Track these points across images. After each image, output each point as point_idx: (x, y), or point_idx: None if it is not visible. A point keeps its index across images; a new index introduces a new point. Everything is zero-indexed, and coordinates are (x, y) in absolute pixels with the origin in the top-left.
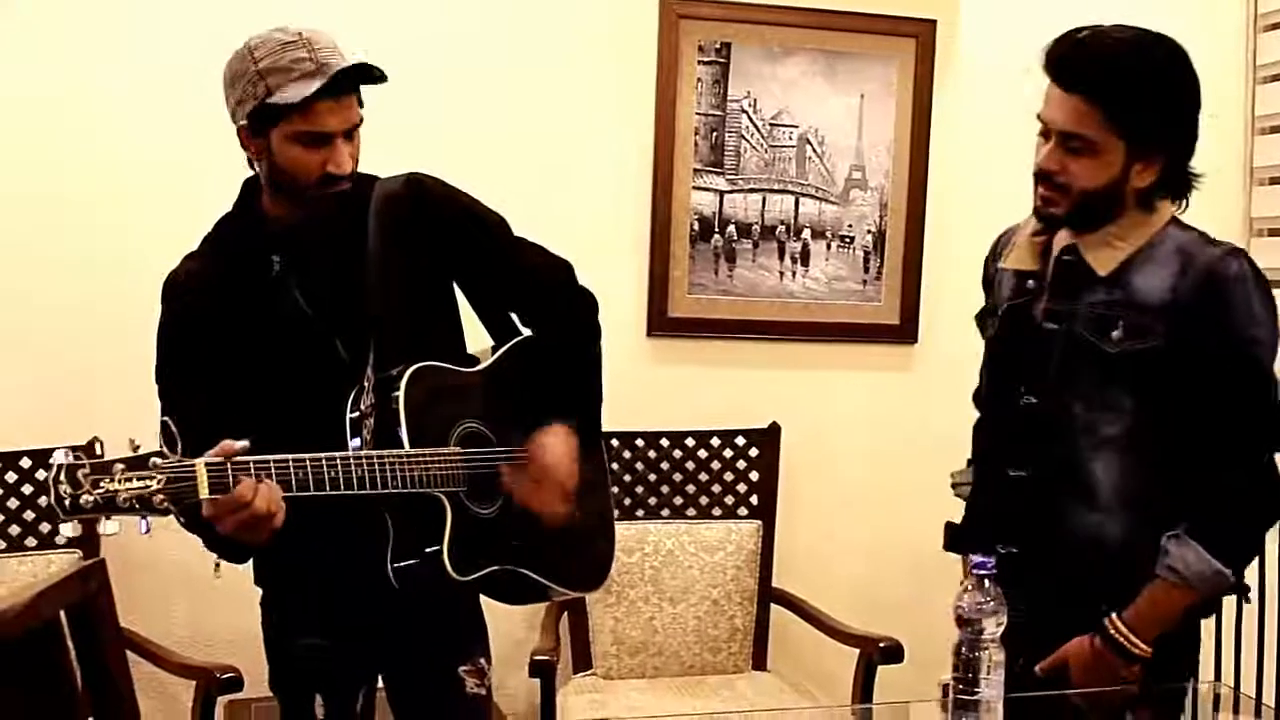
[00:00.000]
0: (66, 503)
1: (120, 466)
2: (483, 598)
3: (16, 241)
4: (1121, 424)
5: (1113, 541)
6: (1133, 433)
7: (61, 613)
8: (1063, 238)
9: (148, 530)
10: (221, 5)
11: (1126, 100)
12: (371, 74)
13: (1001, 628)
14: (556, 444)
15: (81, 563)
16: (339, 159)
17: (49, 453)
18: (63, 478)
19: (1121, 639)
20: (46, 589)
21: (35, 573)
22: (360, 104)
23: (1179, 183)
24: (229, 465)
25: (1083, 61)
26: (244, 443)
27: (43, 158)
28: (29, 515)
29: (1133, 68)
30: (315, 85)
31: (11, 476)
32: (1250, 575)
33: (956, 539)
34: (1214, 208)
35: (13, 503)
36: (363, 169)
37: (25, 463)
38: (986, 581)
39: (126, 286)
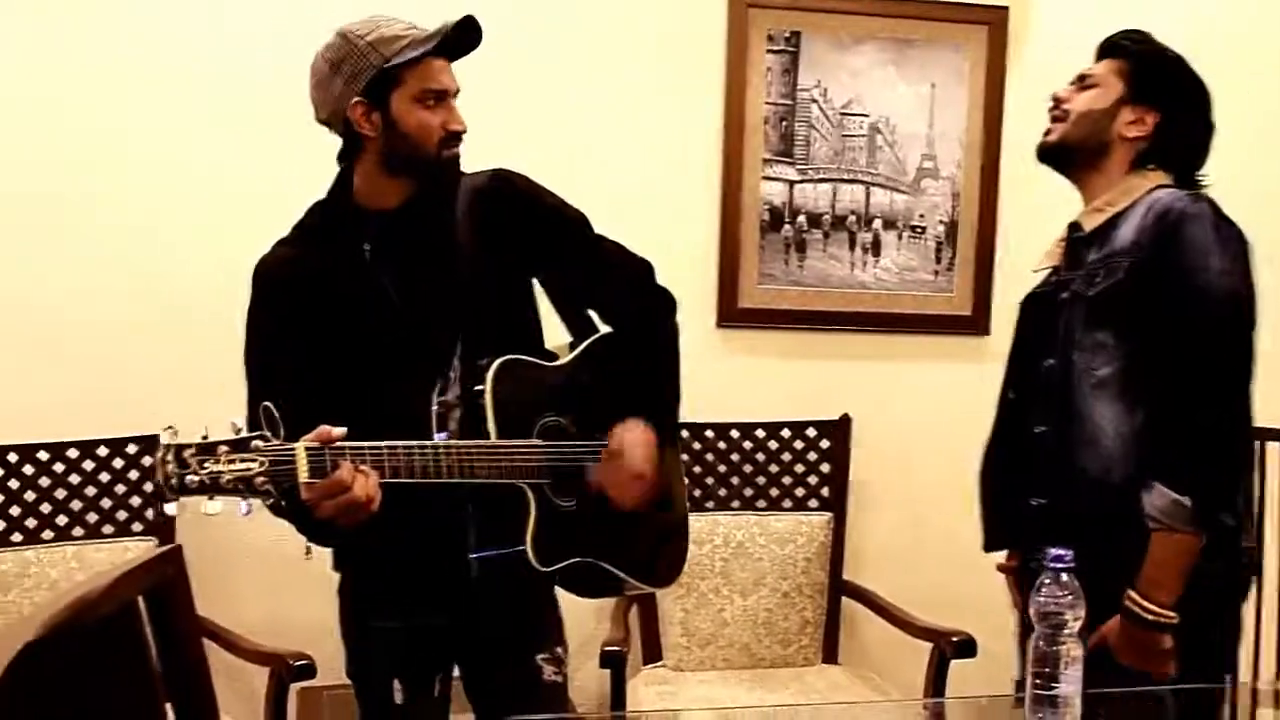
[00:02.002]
0: (173, 482)
1: (224, 448)
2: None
3: (83, 235)
4: (1111, 366)
5: (1118, 486)
6: (1123, 375)
7: (139, 597)
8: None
9: (248, 511)
10: (254, 8)
11: (1138, 53)
12: (471, 39)
13: (1079, 622)
14: (636, 436)
15: (158, 549)
16: (458, 116)
17: (125, 441)
18: (170, 458)
19: (1137, 608)
20: (126, 573)
21: (112, 559)
22: None
23: (1174, 158)
24: (327, 451)
25: (1123, 36)
26: (342, 429)
27: (75, 157)
28: (106, 503)
29: (1154, 41)
30: (430, 45)
31: (89, 465)
32: None
33: (993, 539)
34: None
35: (90, 490)
36: None
37: (102, 451)
38: (1065, 575)
39: (200, 283)
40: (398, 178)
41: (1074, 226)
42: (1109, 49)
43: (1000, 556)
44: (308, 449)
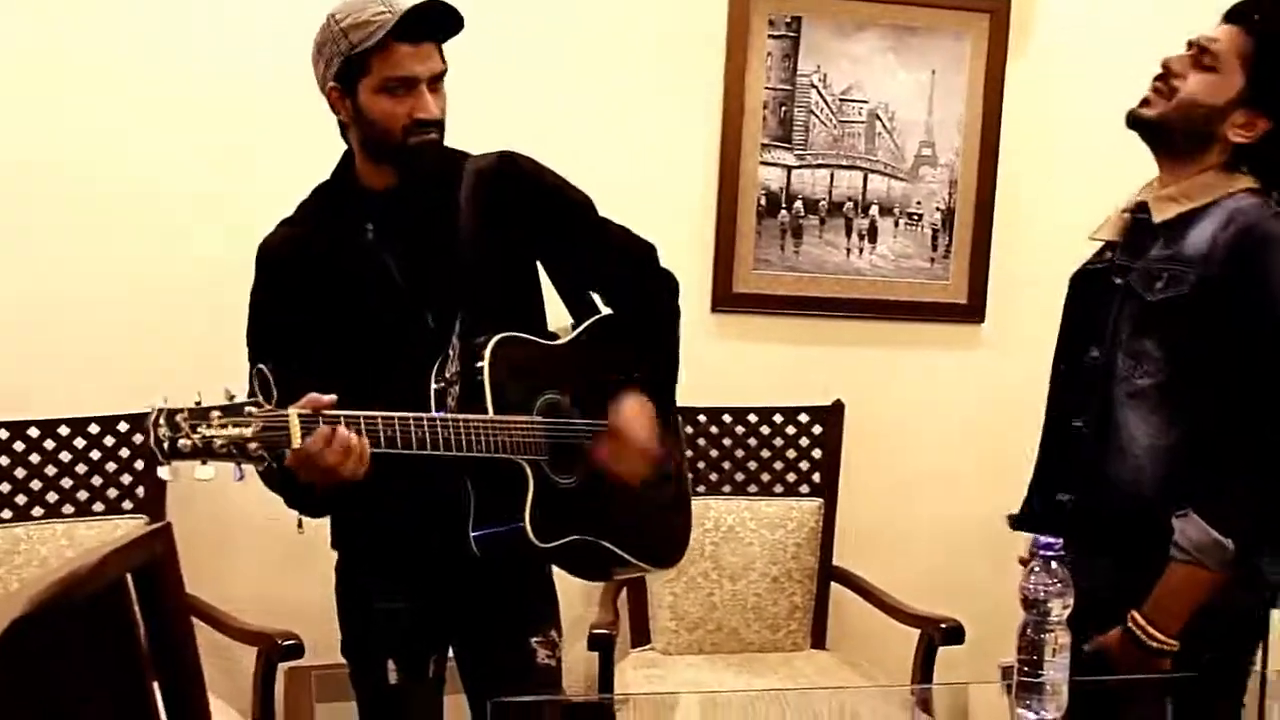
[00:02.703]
0: (165, 446)
1: (217, 413)
2: (556, 572)
3: (76, 217)
4: (1153, 378)
5: (1145, 499)
6: (1164, 389)
7: (128, 575)
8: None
9: (241, 477)
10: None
11: (1270, 37)
12: (446, 19)
13: (1068, 610)
14: (634, 409)
15: (148, 527)
16: (425, 104)
17: (116, 419)
18: (162, 422)
19: (1140, 632)
20: (115, 550)
21: (102, 538)
22: (442, 56)
23: (1267, 169)
24: (320, 417)
25: (1257, 4)
26: (331, 396)
27: (64, 141)
28: (96, 480)
29: None
30: (385, 30)
31: (80, 442)
32: None
33: (1022, 518)
34: None
35: (81, 468)
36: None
37: (93, 429)
38: (1053, 563)
39: (196, 262)
40: (378, 163)
41: (1141, 207)
42: (1239, 15)
43: (1021, 548)
44: (300, 415)
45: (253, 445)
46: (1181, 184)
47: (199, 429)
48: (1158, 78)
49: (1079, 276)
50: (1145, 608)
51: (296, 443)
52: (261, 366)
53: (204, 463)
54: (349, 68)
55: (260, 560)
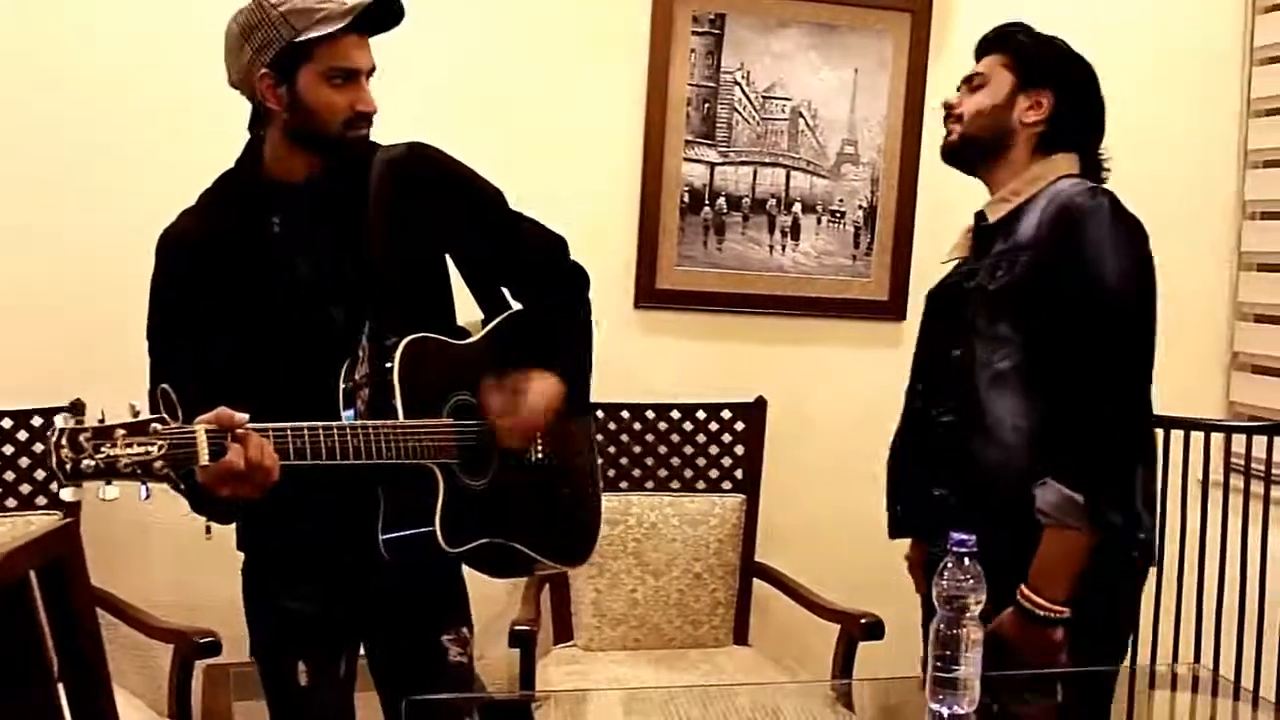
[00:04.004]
0: (68, 467)
1: (121, 432)
2: (465, 567)
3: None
4: (1010, 359)
5: (1014, 478)
6: (1022, 369)
7: (32, 573)
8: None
9: (148, 495)
10: None
11: (1018, 42)
12: (392, 17)
13: (980, 606)
14: (545, 386)
15: (56, 524)
16: (366, 98)
17: (30, 414)
18: (64, 442)
19: (1029, 604)
20: (16, 548)
21: (14, 534)
22: None
23: (1075, 134)
24: (228, 433)
25: (1000, 30)
26: (244, 416)
27: (41, 126)
28: (9, 476)
29: (1031, 29)
30: (343, 21)
31: None
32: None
33: (901, 524)
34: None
35: None
36: None
37: (6, 423)
38: (966, 559)
39: (109, 252)
40: (303, 152)
41: (980, 216)
42: (988, 45)
43: (906, 545)
44: (208, 431)
45: (158, 464)
46: (1011, 184)
47: (102, 449)
48: (945, 117)
49: (935, 292)
50: (1029, 579)
51: (204, 459)
52: (165, 386)
53: (108, 482)
54: (289, 54)
55: (179, 557)
